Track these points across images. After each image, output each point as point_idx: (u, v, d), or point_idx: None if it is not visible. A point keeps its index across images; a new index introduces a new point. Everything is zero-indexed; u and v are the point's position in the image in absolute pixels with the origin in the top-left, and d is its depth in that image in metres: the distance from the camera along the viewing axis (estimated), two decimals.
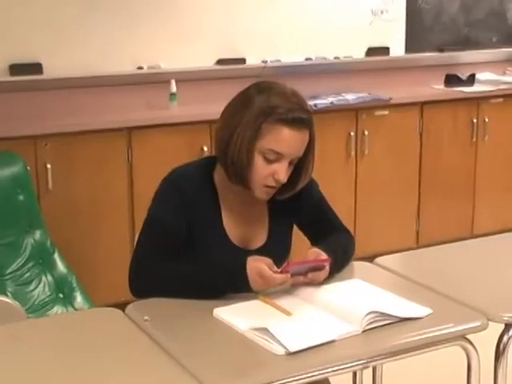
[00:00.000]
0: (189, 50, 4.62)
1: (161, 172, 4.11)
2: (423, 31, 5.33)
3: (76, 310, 3.65)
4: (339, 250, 2.32)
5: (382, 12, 5.15)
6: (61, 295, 3.66)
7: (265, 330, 1.89)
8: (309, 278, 2.16)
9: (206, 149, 4.26)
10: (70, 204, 4.00)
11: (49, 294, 3.63)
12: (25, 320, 2.28)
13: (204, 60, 4.67)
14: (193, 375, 1.74)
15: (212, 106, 4.45)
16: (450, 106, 5.04)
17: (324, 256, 2.19)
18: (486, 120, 5.14)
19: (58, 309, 3.60)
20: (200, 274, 2.19)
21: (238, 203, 2.33)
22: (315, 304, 2.09)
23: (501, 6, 5.61)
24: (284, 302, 2.11)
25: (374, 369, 2.53)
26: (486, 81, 5.29)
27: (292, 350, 1.83)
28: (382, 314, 1.98)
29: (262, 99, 2.19)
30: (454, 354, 2.18)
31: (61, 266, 3.72)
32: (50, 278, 3.67)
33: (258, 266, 2.11)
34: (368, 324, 1.96)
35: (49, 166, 3.91)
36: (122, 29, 4.42)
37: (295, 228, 2.48)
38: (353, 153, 4.71)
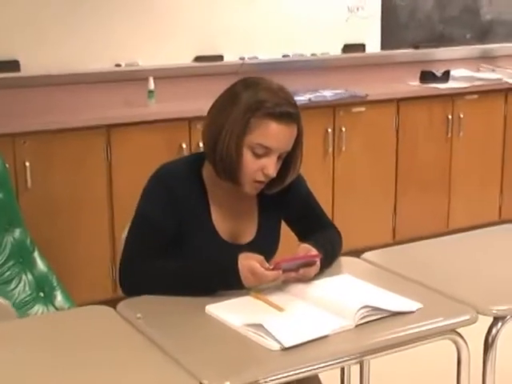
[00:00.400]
0: (166, 47, 4.61)
1: (140, 169, 4.13)
2: (398, 28, 5.37)
3: (57, 308, 3.64)
4: (328, 245, 2.33)
5: (357, 9, 5.17)
6: (41, 294, 3.64)
7: (259, 326, 1.90)
8: (300, 273, 2.17)
9: (184, 146, 4.25)
10: (49, 202, 3.98)
11: (29, 292, 3.61)
12: (15, 319, 2.26)
13: (182, 57, 4.66)
14: (189, 372, 1.75)
15: (190, 103, 4.49)
16: (426, 103, 5.08)
17: (314, 252, 2.20)
18: (461, 116, 5.19)
19: (38, 308, 3.57)
20: (191, 271, 2.19)
21: (226, 199, 2.34)
22: (307, 300, 2.11)
23: (474, 3, 5.66)
24: (276, 297, 2.12)
25: (362, 363, 2.55)
26: (461, 77, 5.34)
27: (287, 345, 1.84)
28: (375, 308, 1.99)
29: (249, 94, 2.20)
30: (440, 348, 2.21)
31: (41, 265, 3.70)
32: (30, 276, 3.65)
33: (250, 263, 2.11)
34: (361, 318, 1.97)
35: (27, 163, 3.88)
36: (99, 26, 4.39)
37: (283, 224, 2.49)
38: (330, 149, 4.73)
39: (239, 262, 2.12)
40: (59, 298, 3.67)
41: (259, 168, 2.23)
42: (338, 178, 4.80)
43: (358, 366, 2.53)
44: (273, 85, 2.25)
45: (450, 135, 5.18)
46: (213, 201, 2.33)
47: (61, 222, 4.02)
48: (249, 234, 2.38)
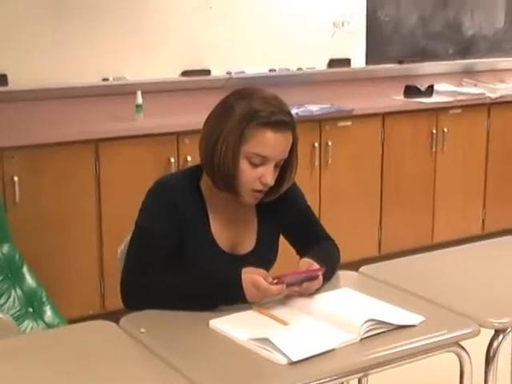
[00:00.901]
0: (154, 61, 4.61)
1: (128, 184, 4.15)
2: (383, 43, 5.41)
3: (47, 324, 3.61)
4: (328, 259, 2.34)
5: (343, 24, 5.20)
6: (30, 309, 3.62)
7: (265, 340, 1.90)
8: (303, 288, 2.17)
9: (172, 160, 4.25)
10: (38, 217, 3.95)
11: (19, 308, 3.58)
12: (18, 335, 2.25)
13: (169, 72, 4.66)
14: None
15: (178, 117, 4.49)
16: (411, 117, 5.12)
17: (316, 266, 2.21)
18: (445, 130, 5.23)
19: (28, 323, 3.55)
20: (192, 286, 2.19)
21: (225, 210, 2.35)
22: (310, 313, 2.11)
23: (456, 18, 5.72)
24: (279, 312, 2.12)
25: (360, 378, 2.55)
26: (444, 92, 5.39)
27: (294, 359, 1.85)
28: (380, 321, 2.00)
29: (244, 105, 2.21)
30: (439, 361, 2.22)
31: (30, 280, 3.68)
32: (19, 292, 3.63)
33: (254, 278, 2.11)
34: (365, 332, 1.98)
35: (16, 178, 3.85)
36: (87, 40, 4.39)
37: (282, 238, 2.50)
38: (317, 163, 4.74)
39: (242, 277, 2.12)
40: (48, 313, 3.65)
41: (257, 177, 2.24)
42: (324, 191, 4.82)
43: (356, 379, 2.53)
44: (267, 94, 2.26)
45: (434, 149, 5.22)
46: (212, 212, 2.33)
47: (49, 236, 3.99)
48: (248, 244, 2.38)
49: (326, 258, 2.33)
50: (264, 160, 2.22)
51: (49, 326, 3.58)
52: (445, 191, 5.32)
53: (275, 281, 2.12)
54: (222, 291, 2.15)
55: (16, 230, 3.74)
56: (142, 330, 2.02)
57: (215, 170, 2.24)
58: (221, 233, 2.34)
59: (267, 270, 2.36)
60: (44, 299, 3.67)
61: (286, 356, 1.85)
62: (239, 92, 2.29)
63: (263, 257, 2.37)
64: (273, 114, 2.20)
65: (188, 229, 2.28)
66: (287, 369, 1.83)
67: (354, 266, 2.54)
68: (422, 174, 5.22)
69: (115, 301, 3.99)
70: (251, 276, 2.12)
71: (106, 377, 1.81)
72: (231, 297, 2.14)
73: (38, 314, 3.62)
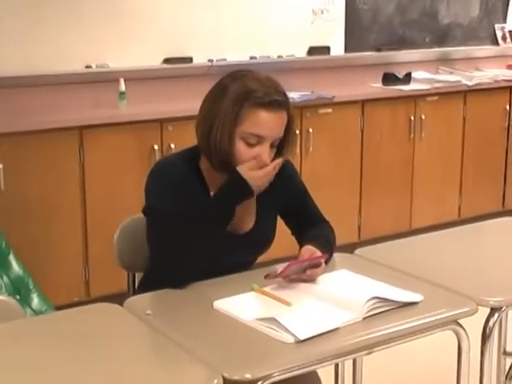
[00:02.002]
0: (136, 49, 4.61)
1: (112, 171, 4.16)
2: (361, 31, 5.46)
3: (34, 311, 3.62)
4: (327, 243, 2.39)
5: (322, 12, 5.24)
6: (18, 297, 3.62)
7: (271, 320, 1.93)
8: (307, 274, 2.21)
9: (156, 147, 4.26)
10: (23, 205, 3.95)
11: (6, 295, 3.57)
12: (25, 318, 2.26)
13: (151, 59, 4.67)
14: (209, 365, 1.77)
15: (161, 104, 4.51)
16: (389, 104, 5.18)
17: (319, 253, 2.25)
18: (423, 117, 5.30)
19: None
20: (208, 209, 2.27)
21: None
22: (311, 294, 2.15)
23: (433, 7, 5.78)
24: (281, 293, 2.15)
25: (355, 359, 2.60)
26: (422, 79, 5.45)
27: (301, 337, 1.88)
28: (382, 300, 2.04)
29: (238, 86, 2.24)
30: (437, 339, 2.27)
31: (16, 268, 3.68)
32: (6, 279, 3.63)
33: (245, 164, 2.23)
34: (368, 311, 2.02)
35: (0, 166, 3.85)
36: (70, 28, 4.38)
37: (279, 222, 2.53)
38: (298, 150, 4.78)
39: (238, 170, 2.23)
40: (36, 300, 3.66)
41: (253, 157, 2.27)
42: (305, 178, 4.69)
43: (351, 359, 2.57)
44: (260, 75, 2.30)
45: (412, 136, 5.28)
46: (212, 189, 2.36)
47: (34, 224, 3.99)
48: (247, 223, 2.42)
49: (325, 242, 2.38)
50: (260, 139, 2.25)
51: (36, 312, 3.58)
52: (422, 177, 5.39)
53: (280, 271, 2.16)
54: (229, 194, 2.26)
55: (1, 218, 3.73)
56: (148, 312, 2.04)
57: (212, 151, 2.27)
58: None
59: (266, 250, 2.42)
60: (31, 286, 3.67)
61: (293, 335, 1.88)
62: (233, 73, 2.32)
63: (262, 236, 2.42)
64: (267, 93, 2.23)
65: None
66: (294, 347, 1.87)
67: (335, 252, 2.53)
68: (401, 161, 5.29)
69: (100, 287, 4.08)
70: (242, 166, 2.24)
71: (115, 358, 1.83)
72: (239, 192, 2.26)
73: (25, 301, 3.62)
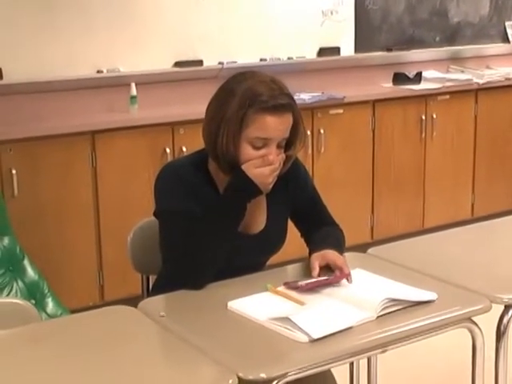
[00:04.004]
0: (147, 53, 4.62)
1: (125, 174, 4.17)
2: (371, 31, 5.45)
3: (49, 315, 3.63)
4: (337, 243, 2.41)
5: (332, 13, 5.24)
6: (33, 301, 3.62)
7: (285, 319, 1.94)
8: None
9: (168, 151, 4.28)
10: (36, 209, 3.97)
11: (22, 299, 3.59)
12: (41, 321, 2.27)
13: (162, 63, 4.68)
14: (224, 365, 1.78)
15: (172, 107, 4.52)
16: (400, 104, 5.17)
17: (340, 260, 2.27)
18: (434, 116, 5.29)
19: None
20: (217, 209, 2.29)
21: None
22: (325, 293, 2.15)
23: (442, 6, 5.77)
24: (294, 292, 2.16)
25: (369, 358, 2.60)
26: (432, 78, 5.45)
27: (315, 336, 1.89)
28: (396, 300, 2.05)
29: (242, 89, 2.24)
30: (452, 337, 2.27)
31: (31, 272, 3.70)
32: (21, 284, 3.64)
33: (250, 162, 2.25)
34: (381, 310, 2.02)
35: (14, 171, 3.87)
36: (81, 33, 4.40)
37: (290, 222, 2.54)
38: (310, 151, 4.78)
39: (243, 168, 2.25)
40: (51, 305, 3.68)
41: (260, 157, 2.27)
42: (317, 178, 4.83)
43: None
44: (265, 77, 2.31)
45: (423, 135, 5.28)
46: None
47: (47, 229, 4.01)
48: (259, 224, 2.42)
49: (335, 241, 2.39)
50: (266, 142, 2.26)
51: (51, 317, 3.60)
52: (434, 176, 5.39)
53: (300, 284, 2.17)
54: (234, 193, 2.27)
55: (15, 223, 3.75)
56: (162, 314, 2.05)
57: (219, 154, 2.28)
58: None
59: (277, 251, 2.43)
60: (46, 291, 3.69)
61: (307, 334, 1.89)
62: (238, 76, 2.32)
63: (274, 236, 2.42)
64: (271, 97, 2.23)
65: (201, 208, 2.30)
66: (308, 346, 1.88)
67: (348, 252, 2.54)
68: (412, 160, 5.28)
69: (114, 291, 4.09)
70: (247, 163, 2.25)
71: (129, 359, 1.84)
72: (245, 191, 2.27)
73: (40, 306, 3.64)
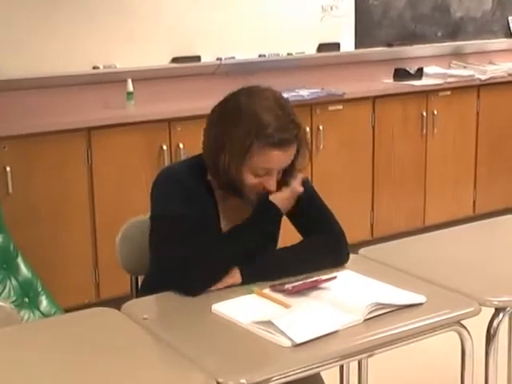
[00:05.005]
0: (144, 49, 4.59)
1: (121, 171, 4.14)
2: (372, 27, 5.41)
3: (43, 313, 3.61)
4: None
5: (331, 8, 5.20)
6: (26, 300, 3.62)
7: (268, 323, 1.90)
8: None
9: (165, 147, 4.24)
10: (31, 207, 3.94)
11: (14, 298, 3.58)
12: (21, 323, 2.25)
13: (159, 59, 4.64)
14: (204, 370, 1.75)
15: (169, 104, 4.48)
16: (401, 100, 5.13)
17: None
18: (435, 113, 5.24)
19: (24, 313, 3.54)
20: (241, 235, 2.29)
21: (232, 199, 2.36)
22: (311, 296, 2.12)
23: (444, 1, 5.72)
24: (280, 295, 2.12)
25: (360, 361, 2.57)
26: (434, 74, 5.39)
27: (298, 341, 1.85)
28: (383, 304, 2.01)
29: (249, 114, 2.20)
30: (441, 341, 2.23)
31: (25, 270, 3.68)
32: (14, 282, 3.62)
33: (277, 194, 2.31)
34: (369, 313, 1.99)
35: (8, 168, 3.84)
36: (77, 29, 4.36)
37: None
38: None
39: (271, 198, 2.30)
40: (44, 303, 3.65)
41: (260, 183, 2.28)
42: (316, 176, 4.80)
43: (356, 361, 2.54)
44: (272, 100, 2.25)
45: (424, 131, 5.23)
46: (220, 201, 2.35)
47: (43, 226, 3.98)
48: None
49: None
50: (268, 171, 2.26)
51: (45, 315, 3.58)
52: (436, 173, 5.34)
53: (287, 287, 2.13)
54: (263, 219, 2.32)
55: (9, 221, 3.72)
56: (145, 317, 2.02)
57: (220, 174, 2.26)
58: (228, 221, 2.35)
59: None
60: (40, 289, 3.66)
61: (289, 338, 1.85)
62: (244, 91, 2.27)
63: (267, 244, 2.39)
64: (278, 130, 2.19)
65: (199, 214, 2.26)
66: (291, 351, 1.84)
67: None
68: (413, 157, 5.24)
69: (110, 289, 4.06)
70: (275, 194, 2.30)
71: (112, 362, 1.81)
72: (273, 216, 2.32)
73: (33, 304, 3.62)
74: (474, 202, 5.56)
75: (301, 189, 2.34)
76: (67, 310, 3.47)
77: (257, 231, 2.30)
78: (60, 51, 4.33)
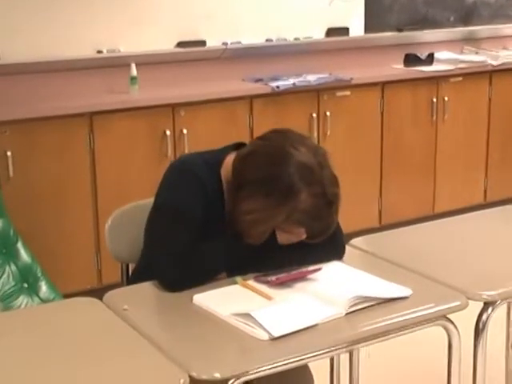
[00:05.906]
0: (148, 33, 4.55)
1: (123, 156, 4.11)
2: (382, 11, 5.32)
3: (42, 299, 3.60)
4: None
5: None
6: (25, 285, 3.61)
7: (247, 316, 1.87)
8: None
9: (168, 133, 4.21)
10: (32, 192, 3.93)
11: (13, 284, 3.58)
12: (1, 312, 2.23)
13: (164, 43, 4.60)
14: (178, 363, 1.72)
15: (173, 89, 4.45)
16: (411, 86, 5.05)
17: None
18: (446, 99, 5.16)
19: (23, 299, 3.55)
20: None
21: None
22: (296, 288, 2.08)
23: None
24: (264, 286, 2.09)
25: (351, 351, 2.52)
26: (445, 60, 5.31)
27: (275, 334, 1.82)
28: (367, 297, 1.97)
29: (295, 201, 2.11)
30: (429, 334, 2.19)
31: (24, 256, 3.67)
32: (14, 267, 3.62)
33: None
34: (351, 306, 1.95)
35: (9, 153, 3.82)
36: (80, 12, 4.33)
37: None
38: (315, 134, 4.69)
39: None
40: (44, 288, 3.64)
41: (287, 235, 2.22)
42: None
43: (347, 353, 2.50)
44: (316, 164, 2.35)
45: (434, 118, 5.16)
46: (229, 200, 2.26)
47: (44, 211, 3.97)
48: None
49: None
50: None
51: (44, 301, 3.57)
52: (446, 160, 5.27)
53: (270, 279, 2.09)
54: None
55: (10, 206, 3.71)
56: (125, 307, 1.99)
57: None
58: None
59: None
60: (39, 275, 3.65)
61: (267, 331, 1.82)
62: (302, 176, 2.19)
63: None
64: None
65: (207, 212, 2.21)
66: (269, 344, 1.80)
67: (355, 236, 2.51)
68: (423, 144, 5.17)
69: (112, 275, 4.01)
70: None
71: (85, 353, 1.79)
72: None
73: (33, 290, 3.61)
74: (486, 189, 5.49)
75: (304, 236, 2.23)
76: (68, 296, 3.46)
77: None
78: (63, 35, 4.30)
